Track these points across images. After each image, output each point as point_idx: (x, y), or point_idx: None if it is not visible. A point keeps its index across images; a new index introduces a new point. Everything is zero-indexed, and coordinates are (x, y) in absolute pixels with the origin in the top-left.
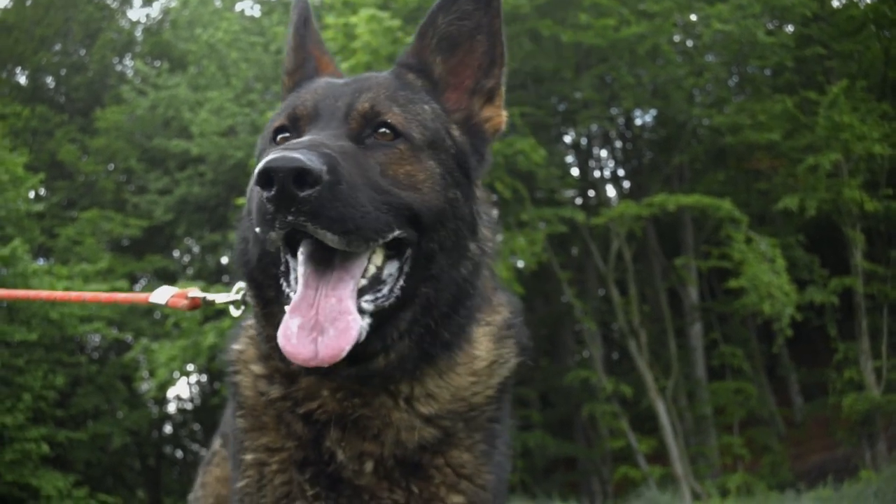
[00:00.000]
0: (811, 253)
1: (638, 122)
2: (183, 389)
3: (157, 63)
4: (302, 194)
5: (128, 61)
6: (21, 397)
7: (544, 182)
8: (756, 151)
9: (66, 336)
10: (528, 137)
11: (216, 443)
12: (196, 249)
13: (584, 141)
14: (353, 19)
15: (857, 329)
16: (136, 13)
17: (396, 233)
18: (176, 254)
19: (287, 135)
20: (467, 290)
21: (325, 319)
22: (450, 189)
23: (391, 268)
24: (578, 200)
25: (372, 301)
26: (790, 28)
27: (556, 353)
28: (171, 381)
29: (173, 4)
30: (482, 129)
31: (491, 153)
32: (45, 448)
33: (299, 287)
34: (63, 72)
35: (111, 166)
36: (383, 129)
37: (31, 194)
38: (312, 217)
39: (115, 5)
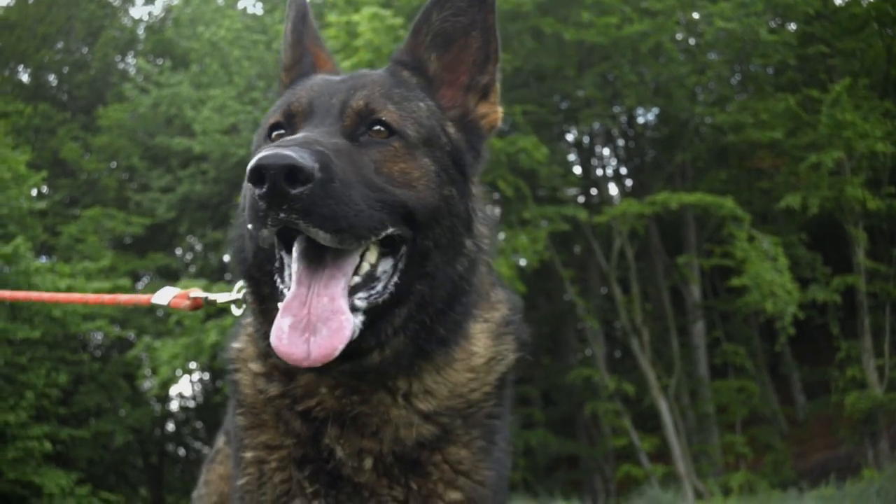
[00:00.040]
0: (813, 251)
1: (640, 120)
2: (185, 387)
3: (160, 61)
4: (294, 192)
5: (130, 59)
6: (24, 395)
7: (547, 180)
8: (758, 150)
9: (69, 334)
10: (530, 135)
11: (220, 440)
12: (198, 247)
13: (586, 139)
14: (356, 17)
15: (859, 327)
16: (139, 11)
17: (390, 230)
18: (178, 252)
19: (282, 131)
20: (463, 286)
21: (318, 319)
22: (445, 186)
23: (386, 265)
24: (581, 199)
25: (365, 298)
26: (793, 26)
27: (559, 351)
28: (173, 379)
29: (175, 2)
30: (478, 125)
31: (487, 150)
32: (48, 446)
33: (292, 285)
34: (65, 70)
35: (114, 164)
36: (378, 127)
37: (34, 192)
38: (304, 215)
39: (117, 3)
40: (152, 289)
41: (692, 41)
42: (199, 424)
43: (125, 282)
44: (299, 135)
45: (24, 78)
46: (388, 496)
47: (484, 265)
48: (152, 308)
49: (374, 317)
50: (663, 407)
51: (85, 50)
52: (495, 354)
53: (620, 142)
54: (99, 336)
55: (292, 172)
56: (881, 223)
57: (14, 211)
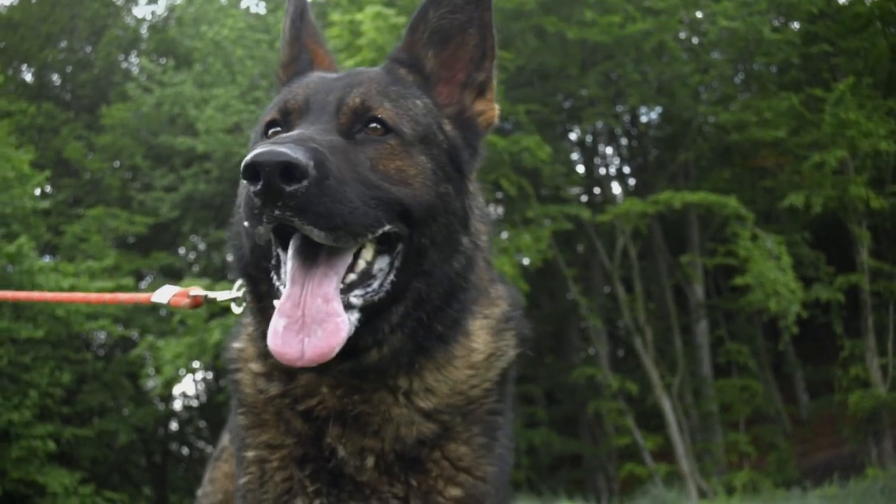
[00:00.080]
0: (817, 250)
1: (643, 119)
2: (189, 386)
3: (163, 60)
4: (289, 189)
5: (133, 58)
6: (27, 394)
7: (550, 179)
8: (762, 148)
9: (73, 333)
10: (533, 135)
11: (225, 438)
12: (202, 246)
13: (589, 138)
14: (359, 16)
15: (862, 326)
16: (142, 10)
17: (386, 228)
18: (182, 251)
19: (278, 129)
20: (460, 284)
21: (313, 321)
22: (441, 184)
23: (382, 262)
24: (584, 198)
25: (361, 296)
26: (796, 25)
27: (562, 350)
28: (176, 378)
29: (179, 2)
30: (474, 122)
31: (484, 147)
32: (52, 445)
33: (287, 285)
34: (69, 69)
35: (117, 163)
36: (374, 125)
37: (37, 191)
38: (299, 212)
39: (120, 2)
40: (155, 288)
41: (695, 40)
42: (202, 423)
43: (128, 281)
44: (294, 132)
45: (28, 77)
46: (388, 493)
47: (482, 262)
48: (155, 307)
49: (371, 314)
50: (666, 406)
51: (88, 49)
52: (495, 350)
53: (624, 141)
54: (102, 335)
55: (287, 169)
56: (885, 222)
57: (18, 210)
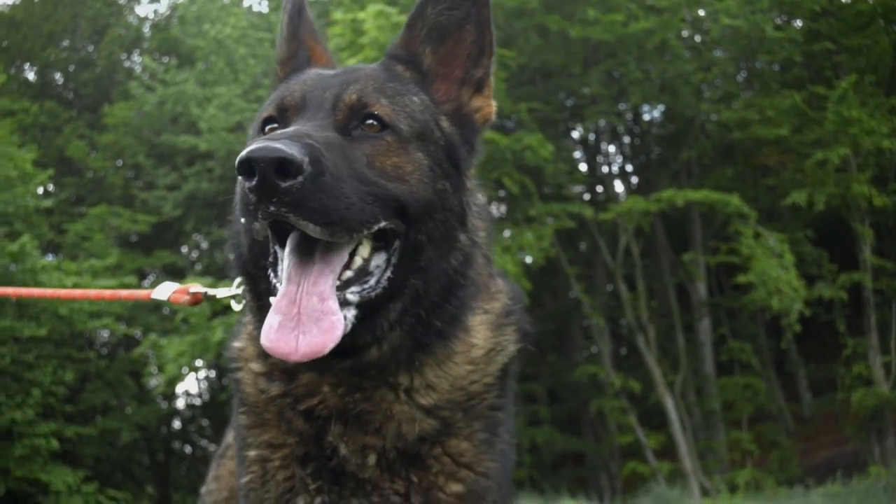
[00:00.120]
0: (820, 248)
1: (646, 117)
2: (191, 385)
3: (165, 59)
4: (284, 185)
5: (136, 57)
6: (30, 393)
7: (552, 177)
8: (764, 147)
9: (76, 332)
10: (535, 133)
11: (229, 436)
12: (204, 245)
13: (592, 136)
14: (361, 15)
15: (865, 324)
16: (144, 9)
17: (382, 224)
18: (184, 249)
19: (275, 125)
20: (458, 280)
21: (308, 319)
22: (438, 180)
23: (379, 259)
24: (586, 196)
25: (358, 292)
26: (799, 23)
27: (564, 348)
28: (179, 377)
29: (181, 0)
30: (472, 119)
31: (481, 144)
32: (55, 443)
33: (283, 282)
34: (71, 68)
35: (119, 162)
36: (370, 121)
37: (40, 190)
38: (294, 208)
39: (122, 1)
40: (158, 286)
41: (698, 38)
42: (205, 422)
43: (131, 279)
44: (290, 128)
45: (30, 76)
46: (389, 490)
47: (481, 258)
48: (158, 306)
49: (368, 311)
50: (669, 404)
51: (91, 48)
52: (495, 345)
53: (626, 139)
54: (105, 334)
55: (282, 165)
56: (887, 220)
57: (20, 209)
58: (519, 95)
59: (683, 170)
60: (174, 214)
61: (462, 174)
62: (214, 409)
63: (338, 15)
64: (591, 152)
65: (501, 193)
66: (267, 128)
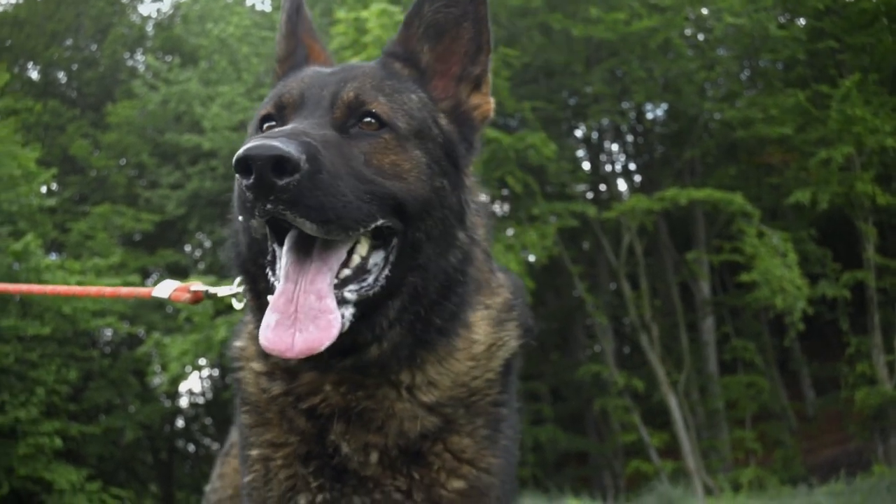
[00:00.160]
0: (823, 247)
1: (649, 116)
2: (195, 384)
3: (169, 58)
4: (280, 182)
5: (139, 56)
6: (34, 391)
7: (555, 176)
8: (768, 145)
9: (79, 330)
10: (539, 132)
11: (234, 434)
12: (208, 244)
13: (595, 135)
14: (364, 14)
15: (869, 323)
16: (147, 8)
17: (380, 222)
18: (188, 248)
19: (273, 123)
20: (457, 278)
21: (305, 317)
22: (436, 178)
23: (377, 257)
24: (590, 195)
25: (356, 291)
26: (802, 21)
27: (568, 347)
28: (183, 376)
29: None
30: (470, 116)
31: (480, 141)
32: (59, 442)
33: (280, 281)
34: (75, 67)
35: (123, 161)
36: (368, 119)
37: (44, 189)
38: (291, 205)
39: (126, 0)
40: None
41: (701, 37)
42: (208, 421)
43: (135, 278)
44: (288, 126)
45: (34, 75)
46: (391, 487)
47: (480, 254)
48: (162, 305)
49: (367, 309)
50: (672, 403)
51: (94, 47)
52: (496, 341)
53: (629, 138)
54: (109, 332)
55: (279, 163)
56: (891, 219)
57: (24, 208)
58: (522, 94)
59: (687, 168)
60: (177, 213)
61: (460, 172)
62: (218, 407)
63: (341, 14)
64: (595, 151)
65: (505, 192)
66: (265, 125)
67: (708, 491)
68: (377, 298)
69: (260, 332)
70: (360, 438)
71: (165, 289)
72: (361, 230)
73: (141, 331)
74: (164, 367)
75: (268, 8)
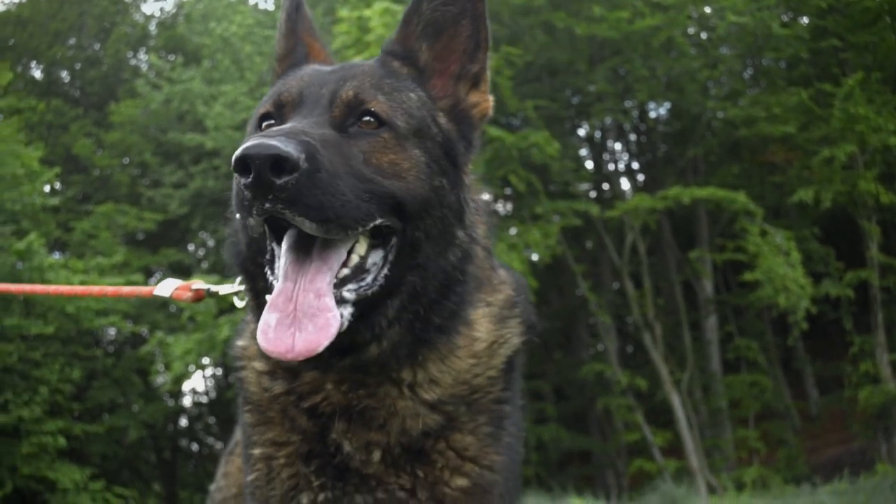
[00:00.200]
0: (826, 246)
1: (652, 114)
2: (198, 383)
3: (172, 57)
4: (279, 182)
5: (142, 55)
6: (38, 390)
7: (558, 175)
8: (771, 144)
9: (83, 329)
10: (542, 130)
11: (238, 433)
12: (211, 243)
13: (598, 134)
14: (367, 12)
15: (872, 322)
16: (150, 7)
17: (379, 221)
18: (191, 247)
19: (272, 122)
20: (456, 276)
21: (304, 315)
22: (435, 177)
23: (375, 256)
24: (593, 193)
25: (354, 290)
26: (805, 20)
27: (571, 346)
28: (186, 375)
29: None
30: (469, 115)
31: (479, 139)
32: (62, 441)
33: (279, 280)
34: (78, 66)
35: (126, 160)
36: (367, 118)
37: (47, 188)
38: (290, 204)
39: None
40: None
41: (704, 35)
42: (211, 420)
43: (138, 277)
44: (287, 125)
45: (37, 74)
46: (395, 485)
47: (481, 252)
48: (165, 304)
49: (365, 309)
50: (676, 402)
51: (97, 46)
52: (497, 338)
53: (632, 136)
54: (112, 332)
55: (277, 162)
56: (894, 217)
57: (27, 207)
58: (525, 93)
59: (690, 167)
60: (180, 212)
61: (460, 170)
62: (221, 406)
63: (344, 12)
64: (598, 150)
65: (508, 191)
66: (264, 124)
67: (711, 490)
68: (376, 298)
69: (259, 332)
70: (362, 437)
71: (167, 287)
72: (361, 229)
73: (144, 330)
74: (168, 366)
75: (271, 7)
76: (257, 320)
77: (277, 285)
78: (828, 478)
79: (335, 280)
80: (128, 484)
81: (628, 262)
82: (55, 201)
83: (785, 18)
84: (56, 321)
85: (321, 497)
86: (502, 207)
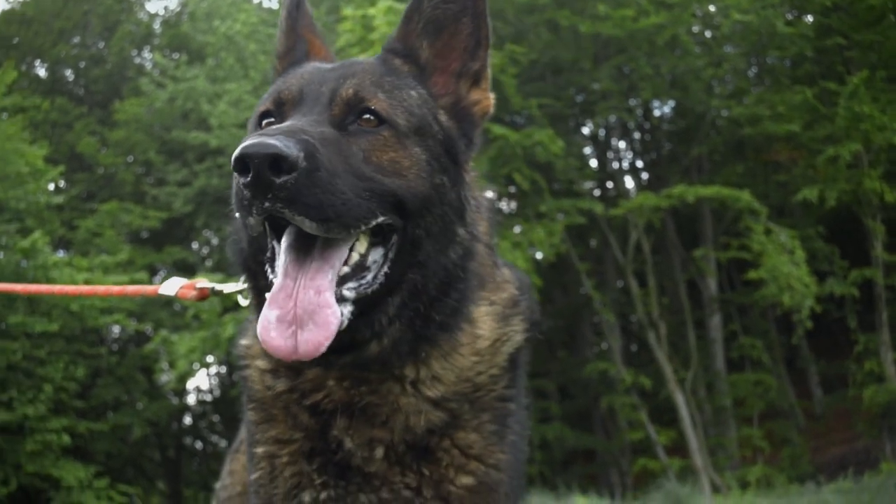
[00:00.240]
0: (831, 244)
1: (656, 113)
2: (202, 381)
3: (176, 55)
4: (278, 181)
5: (146, 54)
6: (42, 388)
7: (563, 173)
8: (775, 142)
9: (87, 328)
10: (546, 129)
11: (243, 430)
12: (215, 241)
13: (602, 132)
14: (372, 11)
15: (877, 321)
16: (155, 5)
17: (380, 219)
18: (195, 245)
19: (272, 120)
20: (458, 274)
21: (304, 313)
22: (436, 175)
23: (376, 254)
24: (597, 192)
25: (354, 288)
26: (810, 18)
27: (575, 344)
28: (190, 373)
29: None
30: (470, 112)
31: (480, 137)
32: (66, 439)
33: (279, 277)
34: (82, 64)
35: (130, 158)
36: (367, 116)
37: (51, 186)
38: (289, 203)
39: None
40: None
41: (708, 34)
42: (216, 418)
43: (142, 275)
44: (286, 123)
45: (41, 72)
46: (400, 483)
47: (483, 249)
48: (169, 302)
49: (365, 307)
50: (680, 400)
51: (101, 44)
52: (500, 336)
53: (636, 135)
54: (116, 330)
55: (276, 161)
56: None
57: (32, 205)
58: (529, 91)
59: (694, 166)
60: (185, 210)
61: (460, 168)
62: (225, 404)
63: (348, 11)
64: (602, 148)
65: (512, 189)
66: (264, 122)
67: (715, 489)
68: (376, 295)
69: (260, 329)
70: (364, 434)
71: (172, 286)
72: (362, 227)
73: (148, 328)
74: (172, 365)
75: (275, 5)
76: (258, 317)
77: (277, 281)
78: (832, 477)
79: (335, 278)
80: (132, 482)
81: (632, 260)
82: (59, 199)
83: (789, 17)
84: (60, 319)
85: (323, 495)
86: (506, 206)
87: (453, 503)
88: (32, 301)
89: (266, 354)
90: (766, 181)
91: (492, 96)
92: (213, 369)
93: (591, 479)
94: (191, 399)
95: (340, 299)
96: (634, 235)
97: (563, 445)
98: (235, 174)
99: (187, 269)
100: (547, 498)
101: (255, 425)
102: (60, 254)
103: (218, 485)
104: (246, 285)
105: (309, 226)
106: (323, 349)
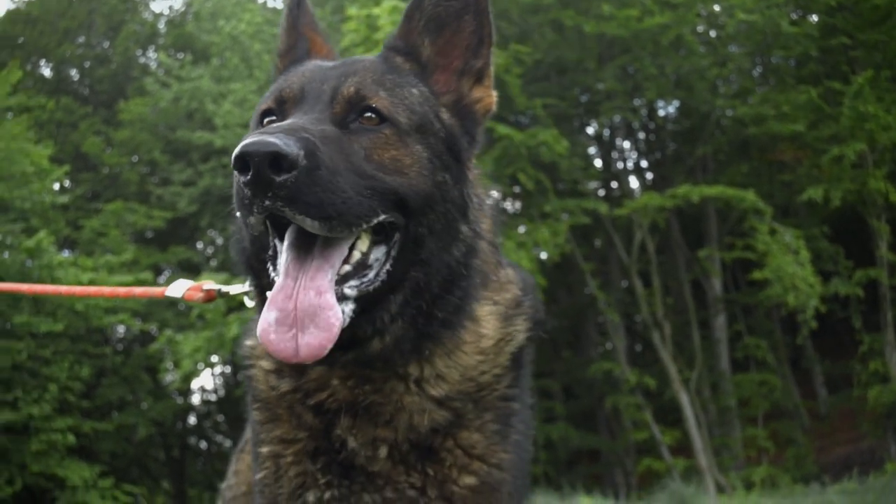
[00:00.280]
0: (836, 244)
1: (661, 112)
2: (207, 380)
3: (181, 55)
4: (278, 179)
5: (151, 53)
6: (47, 388)
7: (567, 173)
8: (780, 142)
9: (92, 327)
10: (550, 129)
11: (249, 430)
12: (219, 241)
13: (606, 132)
14: (376, 10)
15: (882, 321)
16: (159, 5)
17: (381, 218)
18: (199, 245)
19: (273, 118)
20: (460, 271)
21: (304, 315)
22: (438, 173)
23: (378, 252)
24: (601, 192)
25: (356, 286)
26: (814, 18)
27: (580, 344)
28: (195, 373)
29: None
30: (472, 110)
31: (482, 135)
32: (71, 438)
33: (279, 277)
34: (87, 64)
35: (135, 158)
36: (368, 114)
37: (56, 186)
38: (290, 202)
39: None
40: (173, 282)
41: (713, 33)
42: (220, 418)
43: (147, 275)
44: (286, 122)
45: (46, 72)
46: (405, 483)
47: (486, 247)
48: (174, 302)
49: (367, 304)
50: (684, 400)
51: (106, 44)
52: (504, 335)
53: (641, 135)
54: (121, 329)
55: (276, 160)
56: None
57: (37, 205)
58: (534, 91)
59: (699, 165)
60: (189, 210)
61: (463, 166)
62: (230, 404)
63: (352, 11)
64: (606, 148)
65: (517, 189)
66: (265, 120)
67: (720, 489)
68: (378, 293)
69: (260, 331)
70: (368, 433)
71: (178, 288)
72: (364, 226)
73: (153, 328)
74: (177, 364)
75: (279, 5)
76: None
77: (278, 281)
78: (837, 477)
79: (337, 277)
80: (137, 481)
81: (637, 260)
82: (64, 199)
83: (794, 16)
84: (65, 319)
85: (327, 495)
86: (511, 206)
87: (457, 503)
88: (37, 301)
89: (270, 355)
90: (771, 181)
91: (494, 94)
92: (218, 369)
93: (596, 479)
94: (195, 399)
95: (342, 298)
96: (639, 235)
97: (568, 445)
98: (236, 173)
99: (192, 269)
100: (551, 498)
101: (260, 425)
102: (65, 253)
103: (223, 485)
104: (251, 286)
105: (310, 224)
106: (324, 352)
